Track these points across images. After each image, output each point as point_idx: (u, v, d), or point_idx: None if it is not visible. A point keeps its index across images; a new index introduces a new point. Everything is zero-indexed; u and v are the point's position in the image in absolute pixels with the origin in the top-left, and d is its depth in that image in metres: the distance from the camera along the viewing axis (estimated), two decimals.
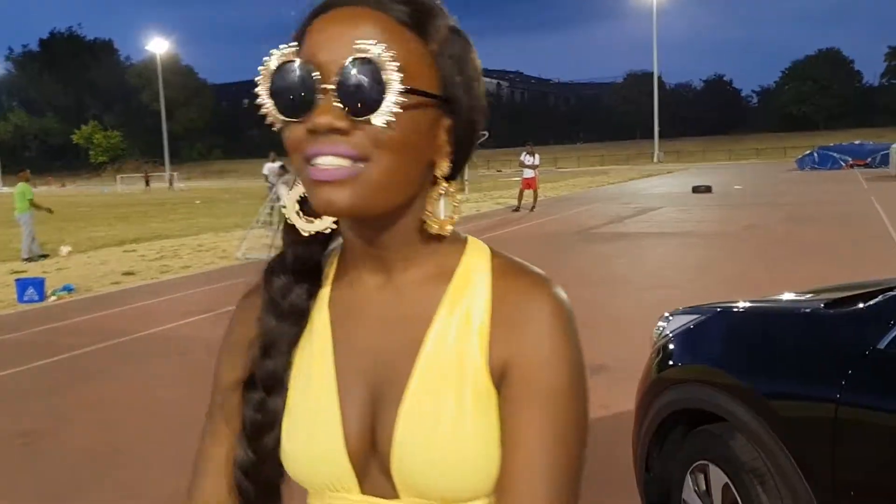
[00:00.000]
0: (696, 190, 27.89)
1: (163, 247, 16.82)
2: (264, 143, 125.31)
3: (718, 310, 3.07)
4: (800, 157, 47.69)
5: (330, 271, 0.92)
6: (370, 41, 0.73)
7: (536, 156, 22.46)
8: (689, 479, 2.88)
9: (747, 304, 3.21)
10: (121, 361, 7.24)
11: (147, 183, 65.89)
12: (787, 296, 3.43)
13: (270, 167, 19.27)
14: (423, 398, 0.81)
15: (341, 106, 0.73)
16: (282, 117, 0.77)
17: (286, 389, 0.88)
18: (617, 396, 5.14)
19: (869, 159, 43.09)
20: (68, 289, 11.21)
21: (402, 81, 0.73)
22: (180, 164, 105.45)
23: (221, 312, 9.18)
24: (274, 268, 0.90)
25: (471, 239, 0.90)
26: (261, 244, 15.22)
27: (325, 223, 0.86)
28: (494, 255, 0.88)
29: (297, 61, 0.75)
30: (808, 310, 2.74)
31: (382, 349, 0.85)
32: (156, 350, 7.65)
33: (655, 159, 76.23)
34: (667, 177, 44.03)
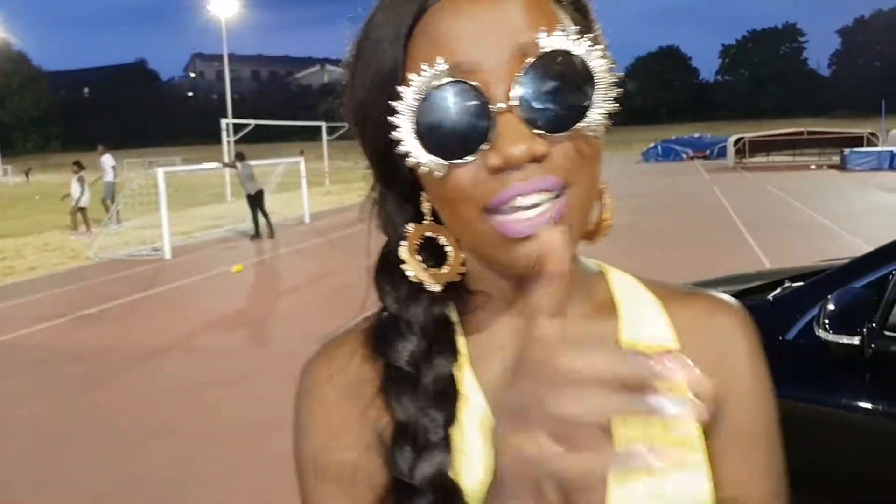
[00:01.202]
0: None
1: (3, 247, 15.64)
2: (112, 133, 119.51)
3: None
4: (645, 149, 50.02)
5: (464, 327, 0.70)
6: (542, 29, 0.56)
7: None
8: None
9: None
10: None
11: (27, 175, 60.08)
12: None
13: (109, 160, 18.19)
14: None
15: (528, 125, 0.55)
16: (444, 162, 0.57)
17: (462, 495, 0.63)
18: None
19: (708, 151, 45.75)
20: None
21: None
22: (14, 156, 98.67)
23: (79, 317, 8.65)
24: (388, 332, 0.67)
25: (599, 262, 0.76)
26: (115, 242, 14.47)
27: (454, 271, 0.66)
28: (636, 276, 0.75)
29: (451, 82, 0.56)
30: None
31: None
32: (7, 361, 7.08)
33: None
34: None
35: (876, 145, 33.80)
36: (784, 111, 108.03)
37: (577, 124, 0.56)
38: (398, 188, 0.68)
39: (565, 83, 0.56)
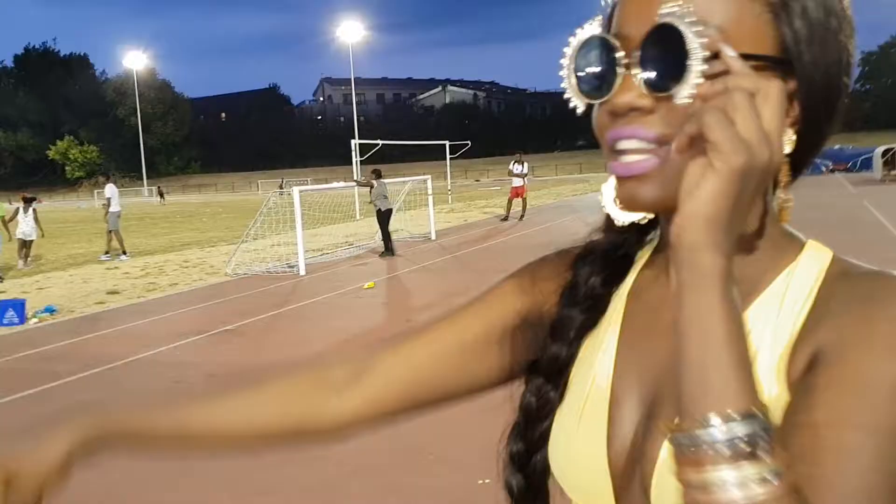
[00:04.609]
0: None
1: (147, 263, 16.26)
2: (245, 157, 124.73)
3: None
4: None
5: (639, 263, 0.83)
6: (674, 4, 0.62)
7: (525, 164, 22.46)
8: None
9: None
10: (111, 390, 6.70)
11: (161, 196, 63.68)
12: None
13: (112, 190, 18.11)
14: None
15: (643, 82, 0.65)
16: (585, 99, 0.70)
17: (566, 380, 0.81)
18: None
19: (850, 164, 43.32)
20: (50, 310, 10.66)
21: (714, 45, 0.61)
22: (157, 178, 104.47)
23: (216, 333, 8.69)
24: (586, 252, 0.85)
25: (811, 243, 0.74)
26: (250, 259, 14.74)
27: (640, 214, 0.76)
28: (835, 260, 0.72)
29: (600, 35, 0.68)
30: None
31: (671, 359, 0.62)
32: (147, 378, 7.13)
33: None
34: None
35: None
36: None
37: (671, 90, 0.63)
38: None
39: (668, 53, 0.62)
